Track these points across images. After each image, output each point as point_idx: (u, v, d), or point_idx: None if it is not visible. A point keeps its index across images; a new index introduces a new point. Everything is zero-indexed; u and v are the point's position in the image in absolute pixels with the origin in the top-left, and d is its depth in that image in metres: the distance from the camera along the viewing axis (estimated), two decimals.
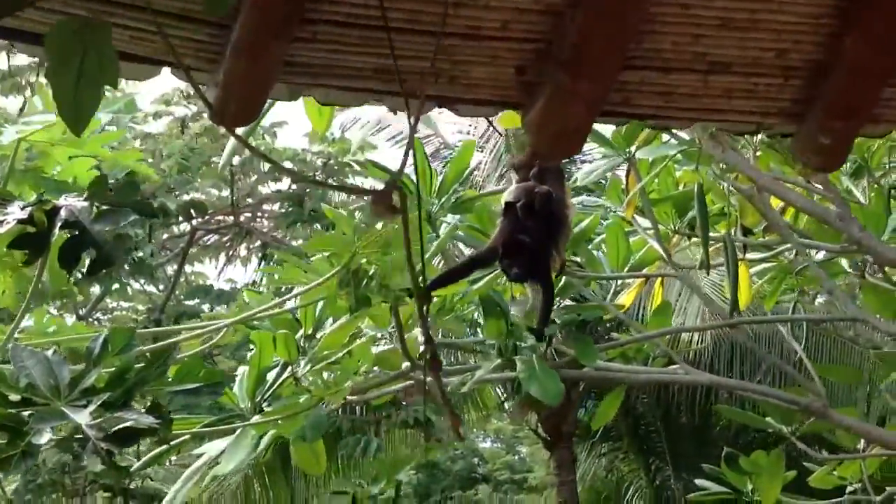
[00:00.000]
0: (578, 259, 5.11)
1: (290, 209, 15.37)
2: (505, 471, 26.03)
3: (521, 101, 2.32)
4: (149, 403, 2.44)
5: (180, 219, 15.40)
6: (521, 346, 4.91)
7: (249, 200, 16.39)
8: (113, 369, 2.40)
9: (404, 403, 9.47)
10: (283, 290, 5.25)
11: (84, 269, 2.70)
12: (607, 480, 16.65)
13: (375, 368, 4.56)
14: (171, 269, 17.56)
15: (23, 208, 2.70)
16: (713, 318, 10.89)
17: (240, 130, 4.99)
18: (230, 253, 17.50)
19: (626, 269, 5.22)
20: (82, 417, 2.18)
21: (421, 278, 2.86)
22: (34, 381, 2.31)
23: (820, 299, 7.70)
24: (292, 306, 3.94)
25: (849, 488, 6.49)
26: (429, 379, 4.88)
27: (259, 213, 17.06)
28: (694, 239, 5.82)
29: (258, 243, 17.17)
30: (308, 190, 14.73)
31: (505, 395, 16.33)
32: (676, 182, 5.59)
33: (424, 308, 3.09)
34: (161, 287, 17.81)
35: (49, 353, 2.47)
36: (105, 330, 2.52)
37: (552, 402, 4.43)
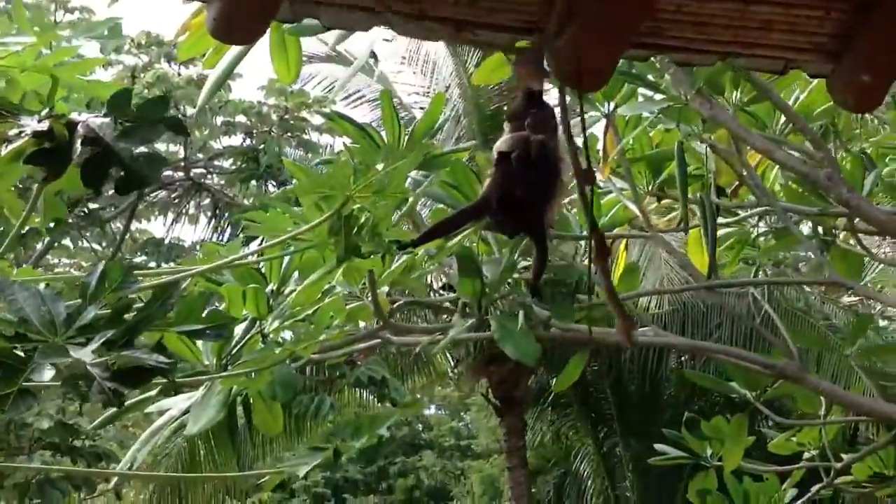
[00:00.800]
0: None
1: (244, 165, 15.01)
2: (450, 437, 26.12)
3: (546, 28, 2.17)
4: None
5: None
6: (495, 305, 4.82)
7: (200, 156, 16.00)
8: (112, 306, 2.22)
9: (358, 364, 9.32)
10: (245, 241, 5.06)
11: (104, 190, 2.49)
12: (555, 447, 16.73)
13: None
14: (116, 226, 17.10)
15: (39, 121, 2.48)
16: (681, 282, 10.96)
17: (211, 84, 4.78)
18: (179, 210, 17.09)
19: None
20: (84, 355, 1.99)
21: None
22: (27, 316, 2.10)
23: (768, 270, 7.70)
24: (271, 256, 3.74)
25: (805, 454, 6.54)
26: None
27: (210, 169, 16.66)
28: (665, 200, 5.77)
29: (207, 201, 16.78)
30: (262, 145, 14.40)
31: (455, 361, 16.31)
32: (651, 142, 5.51)
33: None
34: (104, 244, 17.36)
35: (41, 287, 2.27)
36: (101, 263, 2.33)
37: (528, 361, 4.32)
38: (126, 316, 2.17)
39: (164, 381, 2.55)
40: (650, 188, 5.46)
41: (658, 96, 4.58)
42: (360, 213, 3.07)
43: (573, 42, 2.08)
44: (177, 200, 16.90)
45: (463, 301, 4.73)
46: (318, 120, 15.44)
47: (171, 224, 17.28)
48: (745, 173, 5.20)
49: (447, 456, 25.95)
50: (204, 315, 2.39)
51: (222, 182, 16.74)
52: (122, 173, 2.39)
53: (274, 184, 14.77)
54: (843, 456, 6.36)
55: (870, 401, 4.54)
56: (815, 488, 6.45)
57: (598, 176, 5.25)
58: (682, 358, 14.12)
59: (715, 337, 12.82)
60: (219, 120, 14.76)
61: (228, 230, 16.54)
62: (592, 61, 2.08)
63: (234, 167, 15.92)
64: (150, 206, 17.19)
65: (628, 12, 2.02)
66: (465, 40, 2.25)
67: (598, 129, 5.10)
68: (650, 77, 4.44)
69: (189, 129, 14.08)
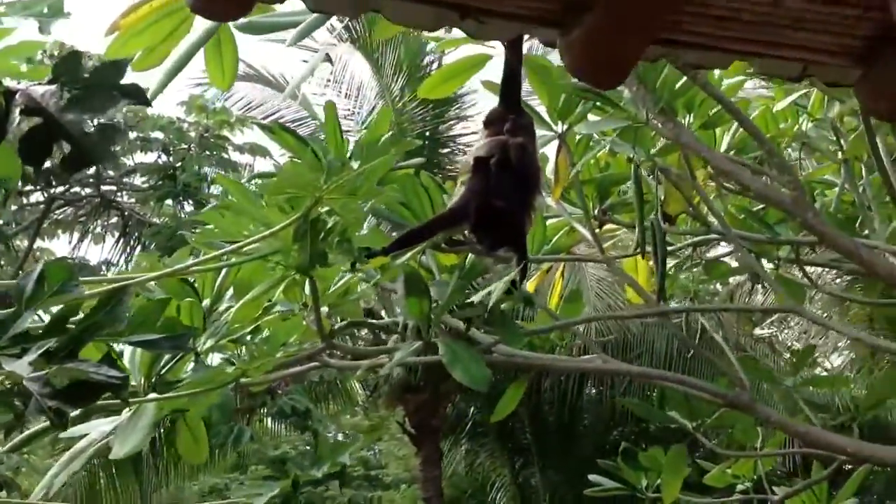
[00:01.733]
0: None
1: (160, 183, 14.45)
2: (359, 467, 25.57)
3: (561, 20, 1.97)
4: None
5: (37, 186, 14.26)
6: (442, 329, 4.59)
7: (111, 172, 15.37)
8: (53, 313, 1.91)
9: (279, 392, 8.96)
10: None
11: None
12: (470, 477, 16.50)
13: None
14: (18, 244, 16.30)
15: None
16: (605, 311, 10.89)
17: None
18: (85, 228, 16.38)
19: (541, 254, 4.98)
20: (20, 368, 1.69)
21: None
22: None
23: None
24: (229, 263, 3.43)
25: (739, 486, 6.50)
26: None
27: (122, 187, 16.02)
28: (607, 225, 5.65)
29: (115, 219, 16.14)
30: (180, 163, 13.89)
31: (371, 388, 15.99)
32: (598, 164, 5.40)
33: None
34: (3, 263, 16.53)
35: None
36: (40, 263, 2.02)
37: (478, 387, 4.09)
38: (69, 324, 1.88)
39: (115, 399, 2.22)
40: (595, 212, 5.33)
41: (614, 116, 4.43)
42: (328, 217, 2.82)
43: (591, 34, 1.89)
44: (83, 218, 16.21)
45: (407, 323, 4.50)
46: (238, 139, 15.04)
47: (77, 243, 16.57)
48: (694, 199, 5.12)
49: (355, 486, 25.39)
50: (158, 323, 2.11)
51: (132, 200, 16.13)
52: (70, 148, 2.09)
53: (191, 203, 14.26)
54: (776, 489, 6.34)
55: (821, 432, 4.45)
56: None
57: (549, 199, 5.11)
58: (601, 388, 14.10)
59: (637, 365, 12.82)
60: (133, 135, 14.19)
61: (138, 250, 15.95)
62: (612, 55, 1.89)
63: (147, 185, 15.35)
64: (55, 224, 16.46)
65: (656, 2, 1.84)
66: (467, 29, 2.04)
67: (549, 150, 4.96)
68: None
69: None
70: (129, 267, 15.83)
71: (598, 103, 4.54)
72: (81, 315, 1.97)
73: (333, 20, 7.82)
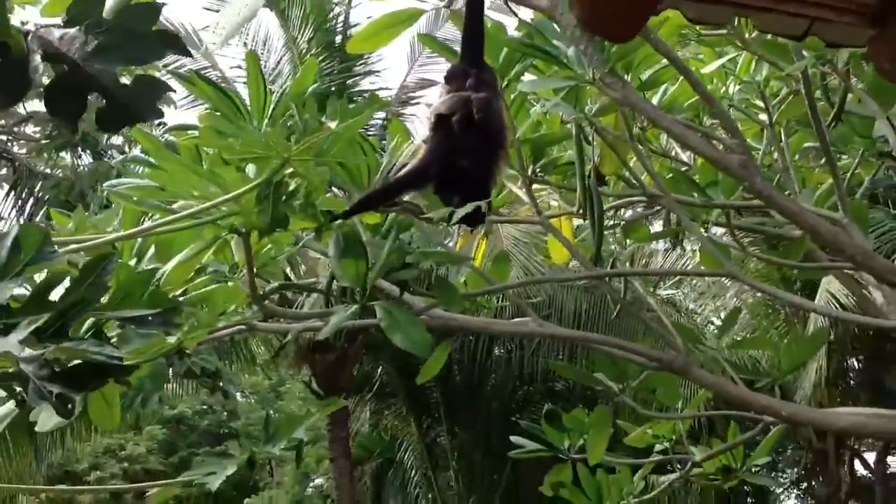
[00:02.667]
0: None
1: (56, 133, 13.70)
2: (259, 426, 25.26)
3: None
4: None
5: None
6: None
7: (1, 122, 14.52)
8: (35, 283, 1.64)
9: (188, 352, 8.60)
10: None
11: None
12: (378, 437, 16.42)
13: None
14: None
15: None
16: (524, 275, 10.83)
17: None
18: None
19: None
20: (11, 346, 1.43)
21: None
22: None
23: None
24: (185, 225, 3.16)
25: (657, 447, 6.57)
26: None
27: (13, 136, 15.16)
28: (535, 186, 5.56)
29: (4, 171, 15.31)
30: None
31: (271, 348, 15.70)
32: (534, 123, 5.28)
33: None
34: None
35: None
36: (13, 226, 1.73)
37: (420, 352, 3.94)
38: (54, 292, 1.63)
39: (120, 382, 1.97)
40: (531, 172, 5.22)
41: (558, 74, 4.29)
42: (290, 180, 2.60)
43: None
44: None
45: (342, 286, 4.31)
46: None
47: None
48: (630, 161, 5.05)
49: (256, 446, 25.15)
50: (143, 296, 1.87)
51: (24, 151, 15.30)
52: (105, 102, 1.77)
53: (89, 154, 13.60)
54: (693, 449, 6.42)
55: (755, 395, 4.46)
56: (670, 477, 6.50)
57: None
58: (511, 348, 14.16)
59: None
60: None
61: (31, 203, 15.20)
62: (627, 5, 1.73)
63: (41, 134, 14.55)
64: None
65: None
66: None
67: None
68: (557, 47, 4.15)
69: None
70: (20, 220, 15.10)
71: (537, 61, 4.42)
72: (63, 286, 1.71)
73: None
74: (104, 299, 1.82)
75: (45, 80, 1.83)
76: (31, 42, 1.74)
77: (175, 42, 1.96)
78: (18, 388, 1.46)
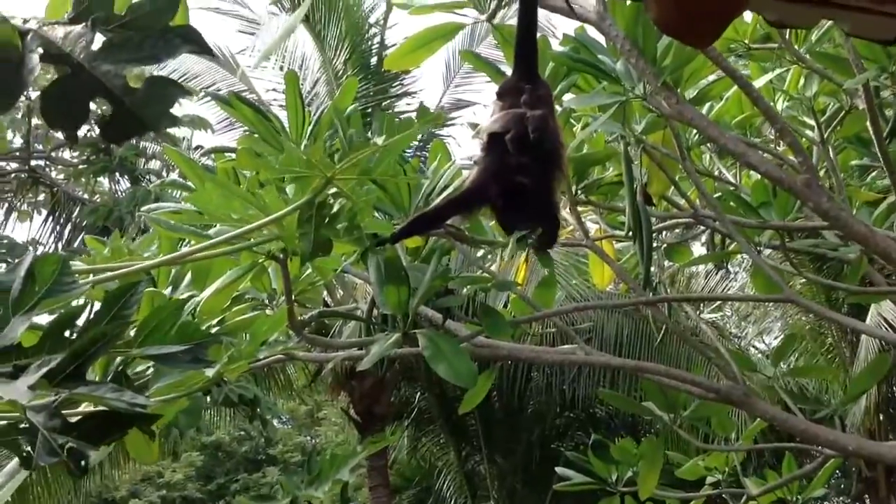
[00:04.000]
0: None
1: (94, 157, 13.66)
2: (296, 453, 25.12)
3: None
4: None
5: None
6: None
7: (38, 147, 14.55)
8: (50, 318, 1.47)
9: (224, 381, 8.49)
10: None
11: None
12: (416, 465, 16.17)
13: None
14: None
15: None
16: (567, 299, 10.60)
17: None
18: (11, 205, 15.53)
19: None
20: (18, 393, 1.26)
21: None
22: None
23: None
24: (225, 250, 2.99)
25: (709, 479, 6.32)
26: None
27: (52, 161, 15.19)
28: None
29: (43, 196, 15.34)
30: None
31: (308, 374, 15.55)
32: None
33: None
34: None
35: None
36: (28, 254, 1.55)
37: (465, 384, 3.75)
38: (73, 329, 1.46)
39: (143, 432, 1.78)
40: (575, 193, 5.04)
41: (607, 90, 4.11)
42: (333, 201, 2.43)
43: None
44: (9, 194, 15.37)
45: (384, 313, 4.14)
46: (176, 111, 14.35)
47: (2, 221, 15.71)
48: (676, 179, 4.85)
49: (293, 473, 24.98)
50: (172, 329, 1.69)
51: (61, 176, 15.33)
52: (112, 109, 1.50)
53: (127, 179, 13.56)
54: (748, 482, 6.15)
55: (820, 429, 4.21)
56: None
57: None
58: (550, 375, 13.89)
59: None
60: None
61: (68, 229, 15.22)
62: (712, 4, 1.55)
63: (79, 159, 14.55)
64: None
65: None
66: None
67: None
68: (603, 61, 3.97)
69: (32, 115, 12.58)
70: (59, 247, 15.11)
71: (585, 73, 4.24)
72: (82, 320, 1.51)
73: None
74: (130, 333, 1.64)
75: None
76: (31, 41, 1.50)
77: (195, 37, 1.67)
78: (25, 444, 1.27)
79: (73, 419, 1.35)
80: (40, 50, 1.48)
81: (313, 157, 2.26)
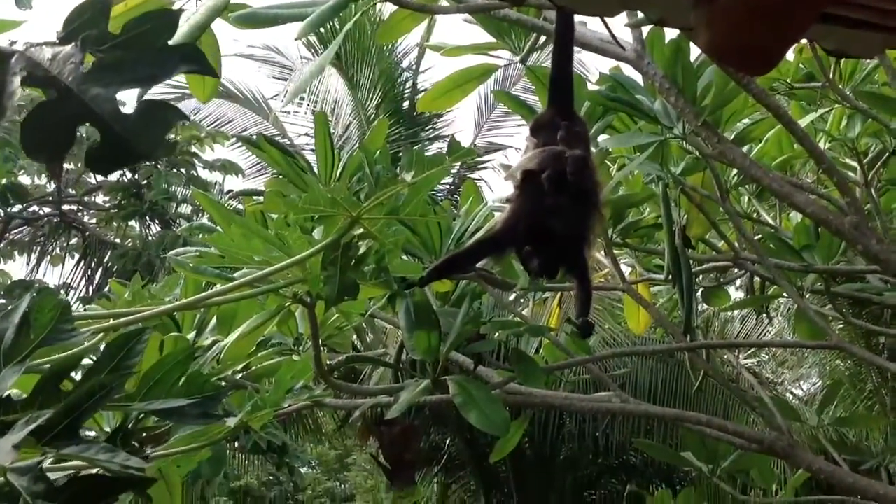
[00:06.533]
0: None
1: (125, 202, 13.71)
2: (325, 498, 24.88)
3: None
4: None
5: None
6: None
7: (72, 191, 14.63)
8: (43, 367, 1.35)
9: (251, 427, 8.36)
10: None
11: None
12: None
13: None
14: None
15: None
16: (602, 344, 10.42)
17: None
18: (44, 250, 15.61)
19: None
20: (2, 453, 1.15)
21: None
22: None
23: None
24: (243, 294, 2.89)
25: None
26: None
27: (83, 205, 15.27)
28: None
29: (76, 240, 15.41)
30: (147, 180, 13.19)
31: (336, 419, 15.40)
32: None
33: None
34: None
35: None
36: (25, 298, 1.42)
37: (497, 432, 3.62)
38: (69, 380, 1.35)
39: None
40: (612, 236, 4.91)
41: (645, 129, 4.00)
42: (360, 242, 2.32)
43: (742, 2, 1.43)
44: (41, 239, 15.46)
45: (413, 359, 4.01)
46: (208, 155, 14.45)
47: (35, 265, 15.79)
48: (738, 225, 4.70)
49: None
50: (179, 381, 1.57)
51: (93, 220, 15.39)
52: (101, 136, 1.36)
53: (157, 223, 13.59)
54: None
55: (870, 483, 4.02)
56: None
57: None
58: (583, 419, 13.63)
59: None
60: None
61: (99, 273, 15.25)
62: (771, 30, 1.44)
63: (111, 204, 14.62)
64: (11, 245, 15.69)
65: None
66: (577, 4, 1.55)
67: None
68: (640, 101, 3.86)
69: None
70: (90, 291, 15.14)
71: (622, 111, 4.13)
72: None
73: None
74: (132, 385, 1.52)
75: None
76: (15, 63, 1.40)
77: (195, 56, 1.54)
78: None
79: (62, 481, 1.22)
80: (24, 73, 1.37)
81: (338, 195, 2.15)
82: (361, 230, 2.26)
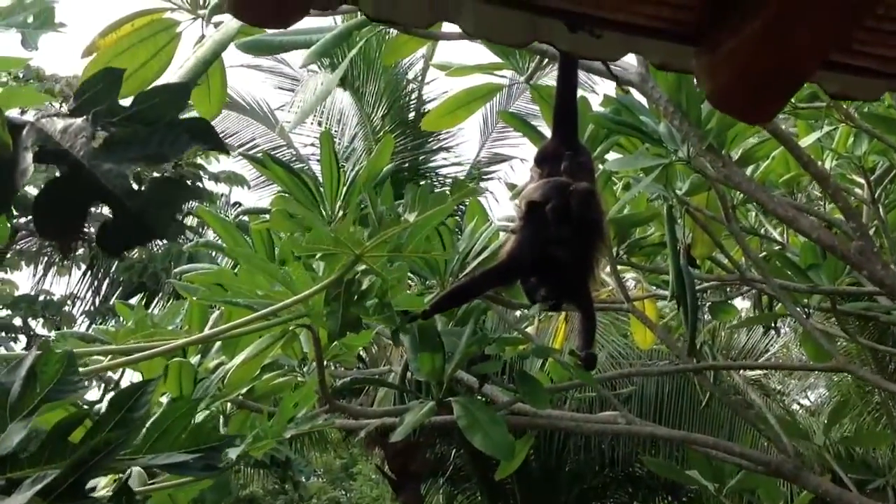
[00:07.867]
0: None
1: None
2: None
3: (704, 32, 1.50)
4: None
5: None
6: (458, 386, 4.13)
7: None
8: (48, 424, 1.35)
9: None
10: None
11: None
12: None
13: None
14: None
15: None
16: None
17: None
18: (50, 260, 15.64)
19: None
20: None
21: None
22: None
23: None
24: (246, 330, 2.91)
25: None
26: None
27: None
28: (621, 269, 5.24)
29: (82, 251, 15.42)
30: None
31: (342, 430, 15.36)
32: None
33: None
34: None
35: None
36: (31, 352, 1.42)
37: (501, 456, 3.62)
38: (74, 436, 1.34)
39: None
40: (617, 255, 4.92)
41: (651, 152, 4.00)
42: (363, 278, 2.33)
43: (751, 48, 1.43)
44: (48, 249, 15.48)
45: (418, 379, 4.02)
46: (214, 167, 14.46)
47: (42, 275, 15.80)
48: (722, 242, 4.71)
49: None
50: (183, 432, 1.57)
51: None
52: (113, 214, 1.37)
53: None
54: None
55: None
56: None
57: None
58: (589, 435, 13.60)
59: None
60: None
61: (105, 283, 15.27)
62: (775, 77, 1.44)
63: None
64: (18, 255, 15.70)
65: (844, 7, 1.37)
66: (577, 47, 1.56)
67: None
68: (645, 123, 3.87)
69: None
70: (96, 302, 15.15)
71: (627, 137, 4.14)
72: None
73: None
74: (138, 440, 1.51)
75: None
76: (26, 136, 1.38)
77: (206, 131, 1.50)
78: None
79: None
80: (35, 147, 1.35)
81: (341, 235, 2.16)
82: (364, 267, 2.27)
